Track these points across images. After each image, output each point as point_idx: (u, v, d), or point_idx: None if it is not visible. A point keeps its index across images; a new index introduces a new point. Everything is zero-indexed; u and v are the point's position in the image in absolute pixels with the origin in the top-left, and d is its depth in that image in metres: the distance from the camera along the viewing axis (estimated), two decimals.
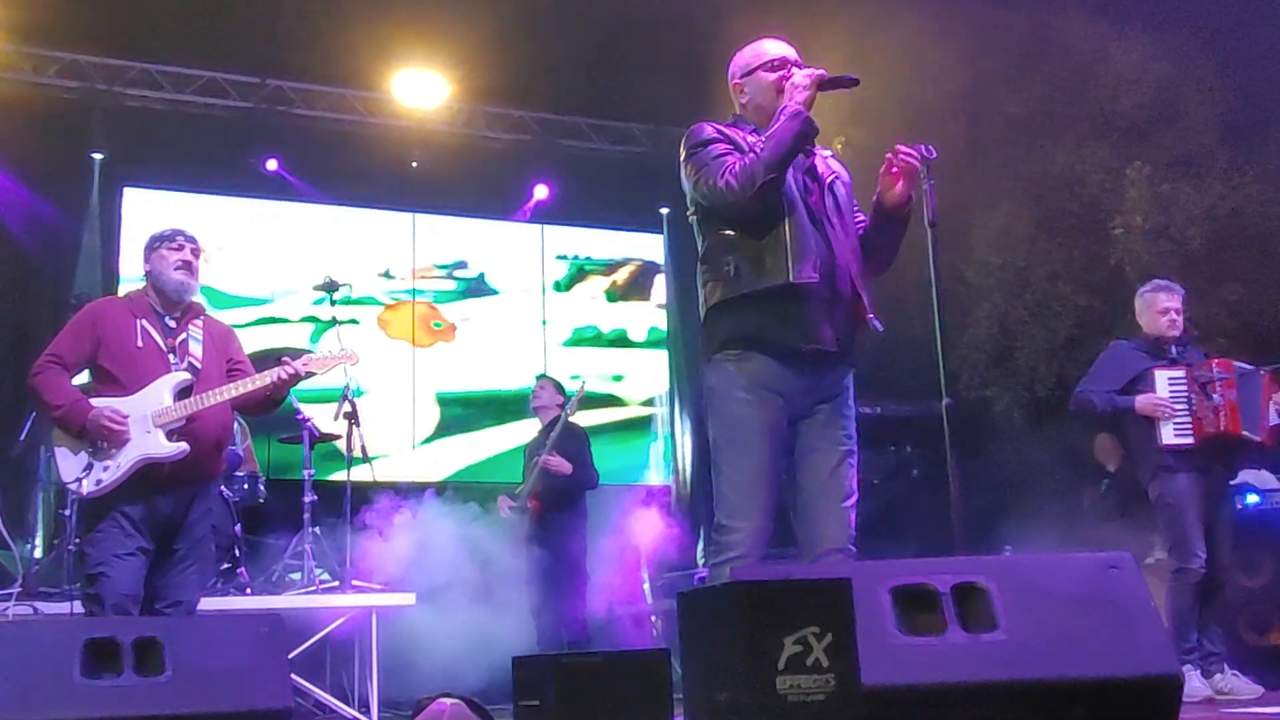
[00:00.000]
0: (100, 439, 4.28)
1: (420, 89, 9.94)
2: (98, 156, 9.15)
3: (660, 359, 11.22)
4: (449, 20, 9.45)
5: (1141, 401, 5.66)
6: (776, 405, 3.58)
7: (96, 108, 9.10)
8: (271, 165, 9.53)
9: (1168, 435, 5.61)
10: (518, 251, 10.94)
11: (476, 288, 10.67)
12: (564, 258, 11.13)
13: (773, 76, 3.80)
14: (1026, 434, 9.67)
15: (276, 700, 3.48)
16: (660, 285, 11.45)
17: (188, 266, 4.53)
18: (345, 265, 9.36)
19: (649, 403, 11.09)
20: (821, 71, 3.69)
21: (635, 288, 11.38)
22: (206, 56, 9.44)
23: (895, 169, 3.69)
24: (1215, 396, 5.57)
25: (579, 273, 11.16)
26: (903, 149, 3.67)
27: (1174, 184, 9.39)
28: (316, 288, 6.48)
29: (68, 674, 3.30)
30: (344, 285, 6.60)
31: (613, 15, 9.14)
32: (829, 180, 3.79)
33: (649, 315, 11.33)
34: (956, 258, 9.73)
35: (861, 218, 3.86)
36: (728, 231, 3.66)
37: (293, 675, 4.44)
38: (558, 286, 11.03)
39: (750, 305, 3.59)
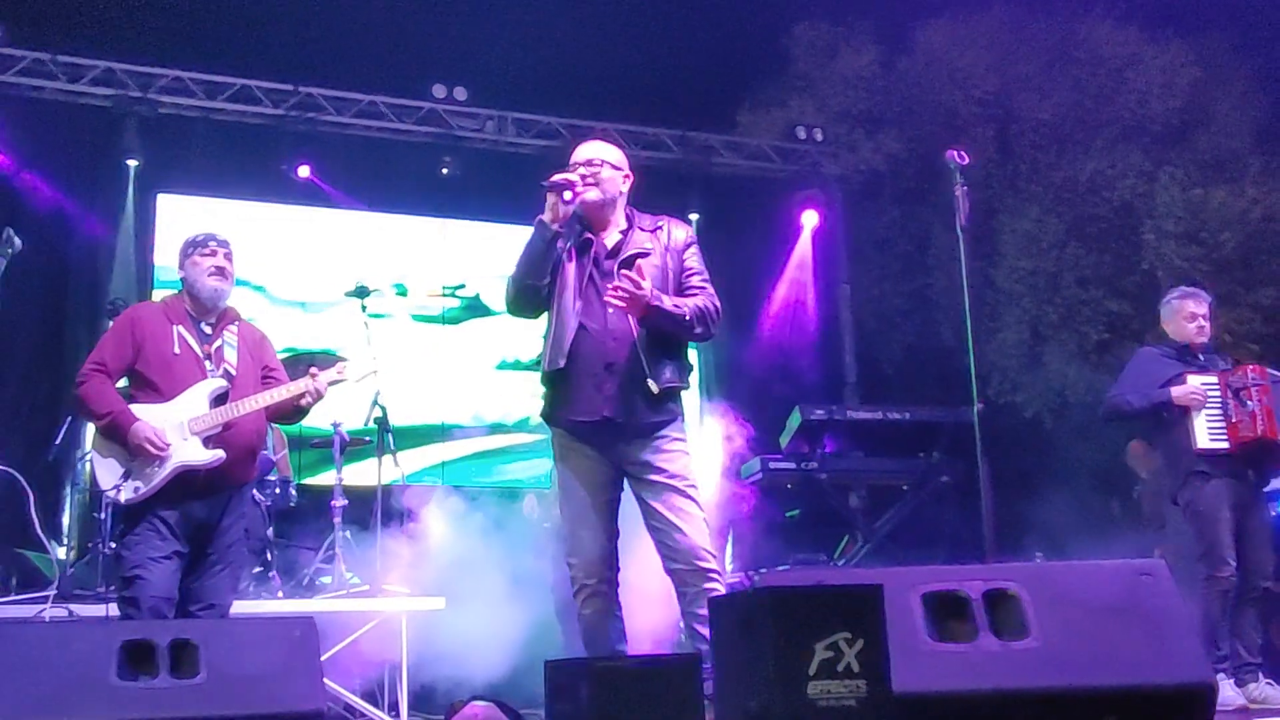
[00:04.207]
0: (137, 454, 4.32)
1: (450, 95, 10.00)
2: (132, 163, 9.21)
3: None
4: (478, 26, 9.51)
5: (1178, 392, 5.58)
6: (587, 453, 4.06)
7: (130, 115, 9.17)
8: (303, 171, 9.58)
9: (1202, 439, 5.54)
10: None
11: (473, 307, 10.59)
12: None
13: None
14: (1057, 439, 9.62)
15: (309, 702, 3.52)
16: None
17: (221, 272, 4.56)
18: (376, 271, 9.39)
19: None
20: (556, 178, 4.08)
21: None
22: (239, 64, 9.52)
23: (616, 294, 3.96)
24: (1250, 403, 5.51)
25: None
26: (616, 289, 3.94)
27: (1206, 188, 9.33)
28: (349, 294, 6.50)
29: (104, 676, 3.35)
30: (375, 291, 6.63)
31: (642, 22, 9.18)
32: (627, 255, 4.11)
33: None
34: (986, 263, 9.70)
35: (691, 284, 4.18)
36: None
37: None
38: None
39: (544, 388, 4.17)
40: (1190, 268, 8.93)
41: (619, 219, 4.23)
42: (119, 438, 4.32)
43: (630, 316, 3.99)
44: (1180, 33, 9.87)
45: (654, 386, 3.99)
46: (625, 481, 4.12)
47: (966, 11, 10.46)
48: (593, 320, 4.03)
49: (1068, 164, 9.86)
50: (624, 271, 3.96)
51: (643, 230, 4.20)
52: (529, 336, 10.50)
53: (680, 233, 4.26)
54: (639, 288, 3.89)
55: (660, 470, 4.01)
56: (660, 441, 4.03)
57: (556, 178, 4.06)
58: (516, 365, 10.45)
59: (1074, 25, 10.19)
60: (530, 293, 4.07)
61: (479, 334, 10.42)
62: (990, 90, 10.25)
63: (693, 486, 4.07)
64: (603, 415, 3.97)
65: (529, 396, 9.85)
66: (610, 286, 3.94)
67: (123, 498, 4.32)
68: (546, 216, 4.04)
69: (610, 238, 4.18)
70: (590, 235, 4.15)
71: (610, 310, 4.01)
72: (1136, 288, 9.37)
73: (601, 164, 4.21)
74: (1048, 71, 10.13)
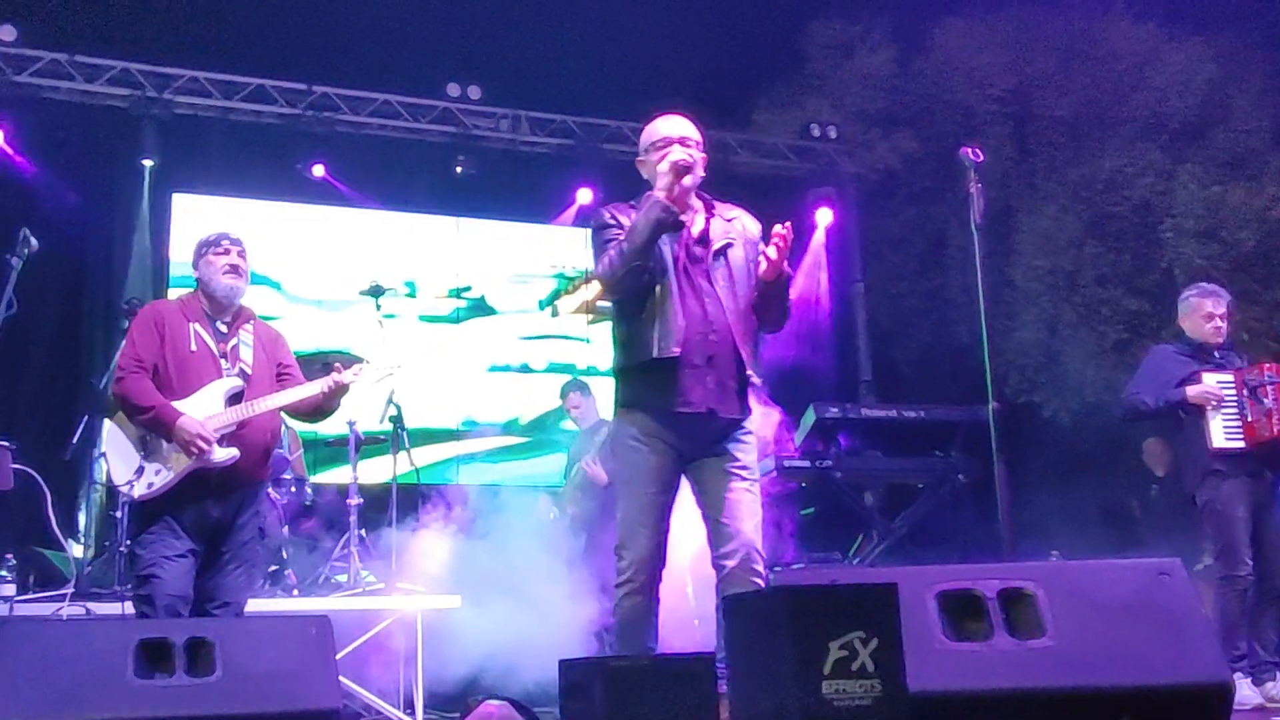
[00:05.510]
0: (183, 450, 4.31)
1: (464, 94, 10.02)
2: (148, 163, 9.24)
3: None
4: (493, 25, 9.52)
5: (1193, 391, 5.57)
6: (661, 449, 3.94)
7: (146, 115, 9.20)
8: (318, 171, 9.60)
9: (1218, 438, 5.52)
10: (554, 259, 10.83)
11: (477, 307, 10.55)
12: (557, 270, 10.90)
13: (657, 157, 4.03)
14: (1074, 439, 9.58)
15: (325, 700, 3.53)
16: None
17: (235, 270, 4.56)
18: (391, 270, 9.41)
19: None
20: (681, 159, 3.93)
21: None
22: (254, 64, 9.55)
23: (776, 245, 3.91)
24: (1267, 401, 5.48)
25: (559, 291, 10.93)
26: (778, 232, 3.91)
27: (1225, 186, 9.29)
28: (363, 293, 6.51)
29: (121, 674, 3.37)
30: (389, 290, 6.64)
31: (656, 21, 9.17)
32: (719, 246, 4.04)
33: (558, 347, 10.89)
34: (1003, 261, 9.67)
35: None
36: (617, 304, 4.11)
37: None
38: (541, 305, 10.77)
39: (632, 374, 4.03)
40: (1209, 266, 8.89)
41: (694, 202, 4.10)
42: (163, 432, 4.32)
43: (732, 300, 3.96)
44: (1198, 30, 9.82)
45: (755, 378, 3.99)
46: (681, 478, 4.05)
47: (983, 9, 10.44)
48: (689, 310, 3.94)
49: (1085, 162, 9.83)
50: (785, 224, 3.90)
51: (723, 220, 4.10)
52: (522, 338, 10.57)
53: (753, 225, 4.15)
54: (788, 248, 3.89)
55: (735, 459, 3.96)
56: (739, 432, 4.01)
57: (678, 158, 3.93)
58: (506, 368, 10.44)
59: (1091, 23, 10.16)
60: (639, 275, 3.91)
61: (480, 333, 10.43)
62: (1007, 88, 10.22)
63: (758, 483, 4.03)
64: (708, 408, 3.91)
65: (526, 396, 9.89)
66: (779, 232, 3.88)
67: (136, 493, 4.33)
68: (664, 196, 3.88)
69: (694, 225, 4.06)
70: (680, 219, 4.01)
71: (707, 300, 3.95)
72: (1155, 286, 9.33)
73: (696, 144, 4.06)
74: (1065, 69, 10.10)
